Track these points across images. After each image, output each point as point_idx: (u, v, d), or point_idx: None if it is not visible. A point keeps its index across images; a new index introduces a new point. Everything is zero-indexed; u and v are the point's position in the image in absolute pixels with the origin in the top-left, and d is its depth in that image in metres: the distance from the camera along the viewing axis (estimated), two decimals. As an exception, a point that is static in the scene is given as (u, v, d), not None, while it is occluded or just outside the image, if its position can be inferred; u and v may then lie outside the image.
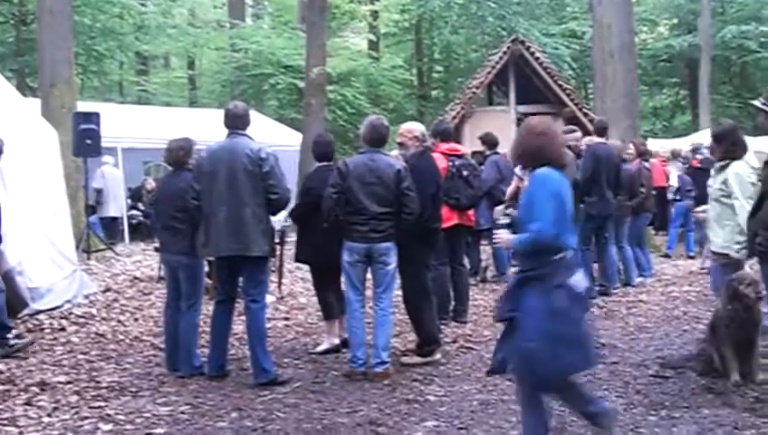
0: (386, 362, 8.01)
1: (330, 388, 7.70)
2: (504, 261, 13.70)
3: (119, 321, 10.68)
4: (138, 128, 20.81)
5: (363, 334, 8.12)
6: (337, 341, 9.06)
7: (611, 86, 18.84)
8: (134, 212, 21.05)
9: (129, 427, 6.60)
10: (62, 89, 16.40)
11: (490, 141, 13.90)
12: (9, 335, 8.92)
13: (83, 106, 17.86)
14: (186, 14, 38.23)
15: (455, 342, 9.44)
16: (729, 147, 8.14)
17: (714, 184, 8.29)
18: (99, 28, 28.57)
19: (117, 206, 19.56)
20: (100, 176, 19.12)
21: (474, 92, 24.57)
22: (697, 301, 11.98)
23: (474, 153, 14.11)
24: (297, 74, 27.82)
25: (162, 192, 8.67)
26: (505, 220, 5.97)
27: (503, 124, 22.71)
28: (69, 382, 7.86)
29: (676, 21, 39.57)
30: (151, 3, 35.05)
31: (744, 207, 7.61)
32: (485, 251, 13.79)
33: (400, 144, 8.96)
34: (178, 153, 8.28)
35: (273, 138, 20.31)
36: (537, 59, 24.07)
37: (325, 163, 9.01)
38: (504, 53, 24.35)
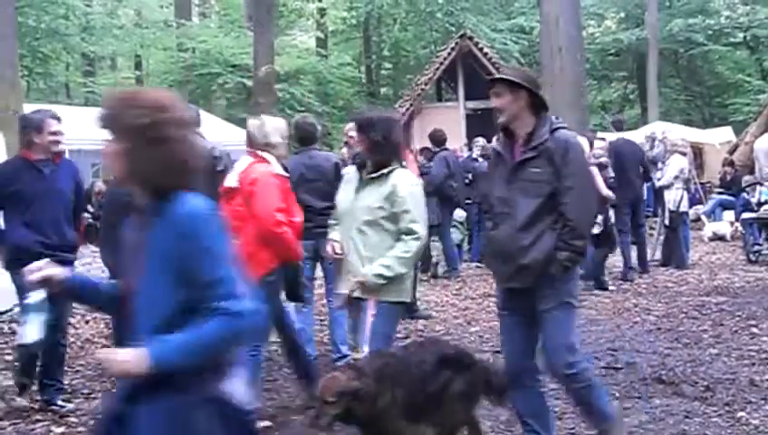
0: (346, 356, 8.01)
1: (282, 385, 7.70)
2: (454, 257, 13.77)
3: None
4: (86, 130, 20.30)
5: (312, 330, 8.12)
6: None
7: (560, 81, 19.01)
8: (83, 214, 20.76)
9: (81, 429, 6.56)
10: (7, 90, 16.15)
11: (437, 139, 13.97)
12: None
13: (30, 108, 17.48)
14: (132, 15, 37.97)
15: (407, 337, 9.47)
16: (389, 146, 5.78)
17: (366, 201, 5.71)
18: (43, 29, 28.30)
19: None
20: None
21: (422, 89, 24.69)
22: (647, 293, 12.12)
23: (422, 150, 14.17)
24: (245, 73, 27.73)
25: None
26: None
27: (452, 120, 22.88)
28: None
29: (623, 15, 39.99)
30: (97, 3, 34.74)
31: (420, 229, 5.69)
32: (436, 247, 13.83)
33: (346, 143, 9.01)
34: None
35: (222, 137, 20.12)
36: (485, 54, 24.21)
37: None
38: (453, 48, 24.51)
